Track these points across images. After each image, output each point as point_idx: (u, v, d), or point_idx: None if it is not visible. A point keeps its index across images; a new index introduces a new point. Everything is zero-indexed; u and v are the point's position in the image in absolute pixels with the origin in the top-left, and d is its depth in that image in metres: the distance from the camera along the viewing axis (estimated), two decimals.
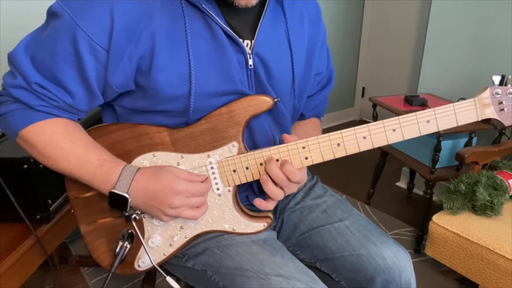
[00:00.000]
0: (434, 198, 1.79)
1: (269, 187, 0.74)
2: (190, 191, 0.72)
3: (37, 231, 1.05)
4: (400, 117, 0.72)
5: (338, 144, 0.74)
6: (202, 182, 0.75)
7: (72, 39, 0.66)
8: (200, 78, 0.72)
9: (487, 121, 1.62)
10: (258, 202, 0.76)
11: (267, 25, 0.77)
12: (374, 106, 1.97)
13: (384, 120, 0.73)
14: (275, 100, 0.75)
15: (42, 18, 0.72)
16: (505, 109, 0.73)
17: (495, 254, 1.22)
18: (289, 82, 0.83)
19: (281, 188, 0.75)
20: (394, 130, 0.73)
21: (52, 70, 0.68)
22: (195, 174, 0.75)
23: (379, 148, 2.03)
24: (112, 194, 0.71)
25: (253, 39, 0.76)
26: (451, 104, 0.72)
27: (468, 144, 1.72)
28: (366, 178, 2.43)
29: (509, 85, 0.73)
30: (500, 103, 0.73)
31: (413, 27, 2.94)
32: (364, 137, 0.73)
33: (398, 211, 2.15)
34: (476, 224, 1.31)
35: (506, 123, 0.74)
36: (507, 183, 1.39)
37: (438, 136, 1.64)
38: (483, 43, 1.93)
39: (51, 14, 0.69)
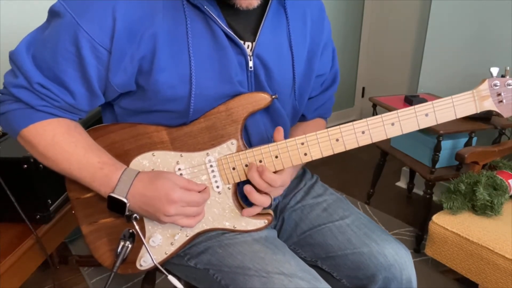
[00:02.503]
0: (434, 198, 1.79)
1: (255, 198, 0.75)
2: (186, 200, 0.72)
3: (37, 231, 1.05)
4: (398, 111, 0.72)
5: (337, 140, 0.74)
6: (200, 192, 0.75)
7: (74, 39, 0.66)
8: (200, 79, 0.72)
9: (487, 120, 1.63)
10: (246, 213, 0.77)
11: (269, 27, 0.77)
12: (374, 106, 1.97)
13: (383, 115, 0.72)
14: (273, 97, 0.75)
15: (43, 17, 0.72)
16: (504, 101, 0.73)
17: (495, 254, 1.21)
18: (289, 84, 0.83)
19: (266, 193, 0.76)
20: (392, 124, 0.73)
21: (54, 70, 0.68)
22: (194, 183, 0.76)
23: (379, 148, 2.03)
24: (110, 198, 0.71)
25: (254, 41, 0.76)
26: (449, 97, 0.72)
27: (468, 144, 1.72)
28: (366, 178, 2.42)
29: (507, 77, 0.73)
30: (499, 94, 0.72)
31: (413, 27, 2.94)
32: (363, 132, 0.73)
33: (398, 211, 2.14)
34: (476, 224, 1.31)
35: (505, 115, 0.73)
36: (507, 183, 1.39)
37: (438, 136, 1.64)
38: (483, 43, 1.93)
39: (53, 13, 0.69)
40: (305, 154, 0.75)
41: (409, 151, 1.91)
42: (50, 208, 1.08)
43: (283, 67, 0.81)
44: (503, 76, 0.74)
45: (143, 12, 0.67)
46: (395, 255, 0.82)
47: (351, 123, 0.73)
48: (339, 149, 0.74)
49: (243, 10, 0.71)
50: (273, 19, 0.78)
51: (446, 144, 1.73)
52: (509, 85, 0.72)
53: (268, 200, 0.76)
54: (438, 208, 1.44)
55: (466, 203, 1.37)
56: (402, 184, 2.44)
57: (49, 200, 1.08)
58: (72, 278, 1.62)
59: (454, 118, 0.72)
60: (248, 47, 0.76)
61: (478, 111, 0.73)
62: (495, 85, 0.72)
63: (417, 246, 1.81)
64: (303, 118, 0.97)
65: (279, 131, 0.75)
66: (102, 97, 0.74)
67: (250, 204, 0.84)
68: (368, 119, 0.73)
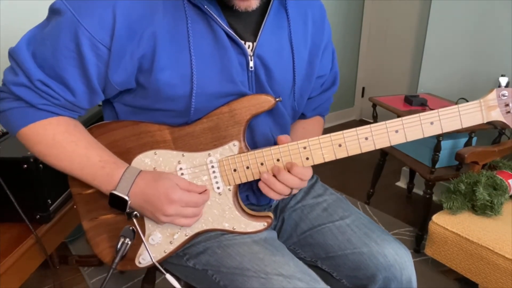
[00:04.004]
0: (434, 198, 1.79)
1: (272, 182, 0.75)
2: (185, 200, 0.72)
3: (37, 231, 1.05)
4: (403, 118, 0.71)
5: (340, 145, 0.74)
6: (200, 193, 0.75)
7: (74, 36, 0.66)
8: (202, 78, 0.72)
9: None
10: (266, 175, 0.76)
11: (270, 27, 0.77)
12: (374, 106, 1.97)
13: (387, 121, 0.72)
14: (277, 99, 0.75)
15: (43, 14, 0.72)
16: None
17: (495, 254, 1.22)
18: (289, 85, 0.83)
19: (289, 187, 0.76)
20: (396, 131, 0.72)
21: (54, 67, 0.68)
22: (195, 185, 0.76)
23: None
24: (112, 195, 0.72)
25: (255, 41, 0.76)
26: (456, 106, 0.71)
27: (468, 144, 1.72)
28: (366, 178, 2.42)
29: None
30: (507, 105, 0.71)
31: (413, 27, 2.94)
32: (366, 138, 0.73)
33: (398, 211, 2.15)
34: (476, 224, 1.31)
35: None
36: (507, 183, 1.39)
37: (438, 136, 1.64)
38: (483, 43, 1.93)
39: (54, 11, 0.69)
40: (307, 158, 0.75)
41: (409, 151, 1.91)
42: (50, 208, 1.09)
43: (283, 67, 0.81)
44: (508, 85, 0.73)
45: (143, 11, 0.67)
46: (395, 255, 0.82)
47: (354, 129, 0.73)
48: (342, 154, 0.74)
49: (245, 11, 0.71)
50: (274, 19, 0.78)
51: (446, 144, 1.73)
52: None
53: (287, 190, 0.76)
54: (438, 208, 1.44)
55: (466, 203, 1.37)
56: (402, 184, 2.44)
57: (49, 200, 1.08)
58: (72, 278, 1.61)
59: (460, 127, 0.71)
60: (249, 47, 0.76)
61: (485, 121, 0.72)
62: (503, 95, 0.71)
63: (417, 246, 1.81)
64: (302, 116, 0.97)
65: (282, 140, 0.76)
66: (102, 94, 0.74)
67: (251, 205, 0.84)
68: (372, 125, 0.72)
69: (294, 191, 0.78)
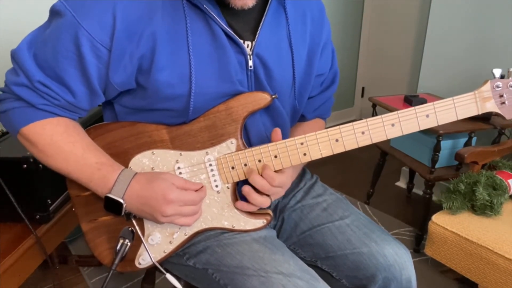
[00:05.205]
0: (434, 198, 1.79)
1: (253, 198, 0.76)
2: (183, 199, 0.72)
3: (37, 231, 1.05)
4: (399, 111, 0.72)
5: (337, 140, 0.74)
6: (197, 190, 0.75)
7: (74, 38, 0.67)
8: (200, 78, 0.72)
9: (487, 120, 1.63)
10: (239, 205, 0.78)
11: (268, 26, 0.78)
12: (374, 106, 1.97)
13: (383, 115, 0.72)
14: (273, 96, 0.76)
15: (44, 16, 0.72)
16: (506, 102, 0.72)
17: (495, 254, 1.21)
18: (289, 83, 0.83)
19: (267, 195, 0.76)
20: (393, 125, 0.72)
21: (55, 69, 0.69)
22: (191, 182, 0.76)
23: (379, 148, 2.03)
24: (107, 199, 0.72)
25: (254, 40, 0.76)
26: (451, 98, 0.71)
27: (467, 144, 1.72)
28: (366, 178, 2.42)
29: (510, 78, 0.72)
30: (501, 96, 0.72)
31: (413, 27, 2.94)
32: (363, 132, 0.73)
33: (397, 211, 2.14)
34: (476, 224, 1.31)
35: (507, 117, 0.72)
36: (506, 183, 1.38)
37: (438, 136, 1.64)
38: (483, 43, 1.93)
39: (54, 12, 0.69)
40: (305, 154, 0.75)
41: (409, 151, 1.91)
42: (50, 208, 1.09)
43: (283, 66, 0.81)
44: (503, 76, 0.73)
45: (143, 12, 0.68)
46: (394, 255, 0.82)
47: (351, 124, 0.73)
48: (339, 149, 0.74)
49: (242, 10, 0.71)
50: (273, 18, 0.79)
51: (445, 144, 1.73)
52: (511, 86, 0.71)
53: (267, 201, 0.77)
54: (438, 208, 1.44)
55: (466, 203, 1.37)
56: (401, 184, 2.44)
57: (48, 200, 1.08)
58: (72, 278, 1.62)
59: (455, 119, 0.72)
60: (247, 46, 0.76)
61: (480, 113, 0.72)
62: (497, 87, 0.71)
63: (417, 246, 1.81)
64: (303, 118, 0.97)
65: (277, 133, 0.76)
66: (102, 95, 0.74)
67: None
68: (368, 119, 0.73)
69: (273, 198, 0.78)
